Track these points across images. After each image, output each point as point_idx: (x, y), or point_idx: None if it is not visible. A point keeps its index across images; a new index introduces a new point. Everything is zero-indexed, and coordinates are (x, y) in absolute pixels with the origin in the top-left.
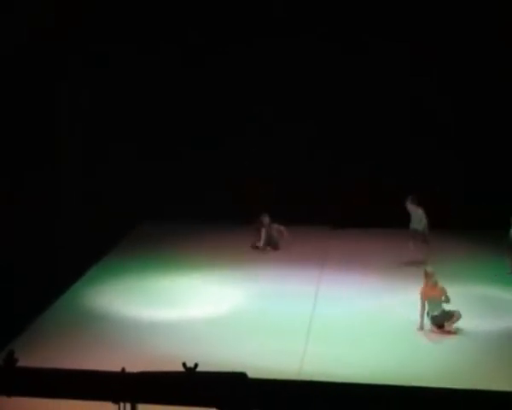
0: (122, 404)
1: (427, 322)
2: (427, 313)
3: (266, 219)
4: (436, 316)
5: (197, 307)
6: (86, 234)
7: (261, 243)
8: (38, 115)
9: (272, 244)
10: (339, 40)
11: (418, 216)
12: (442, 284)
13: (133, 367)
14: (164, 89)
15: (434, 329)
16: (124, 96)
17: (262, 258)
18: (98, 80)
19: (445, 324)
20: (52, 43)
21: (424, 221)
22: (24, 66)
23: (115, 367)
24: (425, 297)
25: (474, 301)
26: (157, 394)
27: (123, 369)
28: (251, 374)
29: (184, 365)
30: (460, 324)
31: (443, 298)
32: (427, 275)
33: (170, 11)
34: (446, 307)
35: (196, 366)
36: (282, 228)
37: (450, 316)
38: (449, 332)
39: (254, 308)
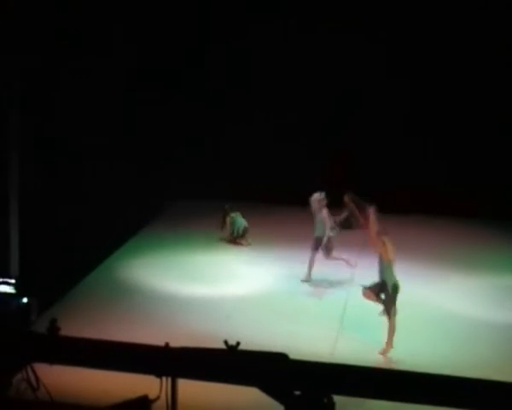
0: (164, 378)
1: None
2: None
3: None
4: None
5: (232, 285)
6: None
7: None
8: None
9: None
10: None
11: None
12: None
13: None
14: None
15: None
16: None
17: (299, 239)
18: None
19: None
20: None
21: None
22: None
23: (149, 341)
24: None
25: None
26: (199, 370)
27: (166, 344)
28: None
29: (226, 342)
30: (492, 314)
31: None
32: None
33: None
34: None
35: (238, 344)
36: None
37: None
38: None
39: (289, 291)
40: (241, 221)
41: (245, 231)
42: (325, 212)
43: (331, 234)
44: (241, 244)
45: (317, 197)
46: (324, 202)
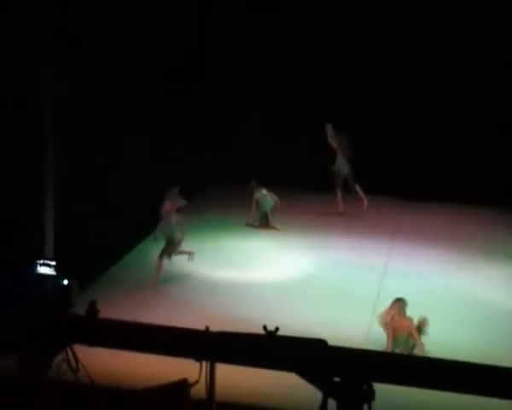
0: (204, 363)
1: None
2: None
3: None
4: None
5: (266, 271)
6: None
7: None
8: None
9: None
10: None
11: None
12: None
13: (202, 326)
14: None
15: None
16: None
17: (333, 225)
18: None
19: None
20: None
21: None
22: None
23: (184, 324)
24: (392, 333)
25: None
26: (238, 355)
27: (207, 328)
28: None
29: (265, 328)
30: None
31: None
32: (401, 305)
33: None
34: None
35: (277, 329)
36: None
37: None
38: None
39: (323, 277)
40: (268, 202)
41: (271, 212)
42: (176, 216)
43: (180, 238)
44: (272, 228)
45: (172, 198)
46: (178, 204)
